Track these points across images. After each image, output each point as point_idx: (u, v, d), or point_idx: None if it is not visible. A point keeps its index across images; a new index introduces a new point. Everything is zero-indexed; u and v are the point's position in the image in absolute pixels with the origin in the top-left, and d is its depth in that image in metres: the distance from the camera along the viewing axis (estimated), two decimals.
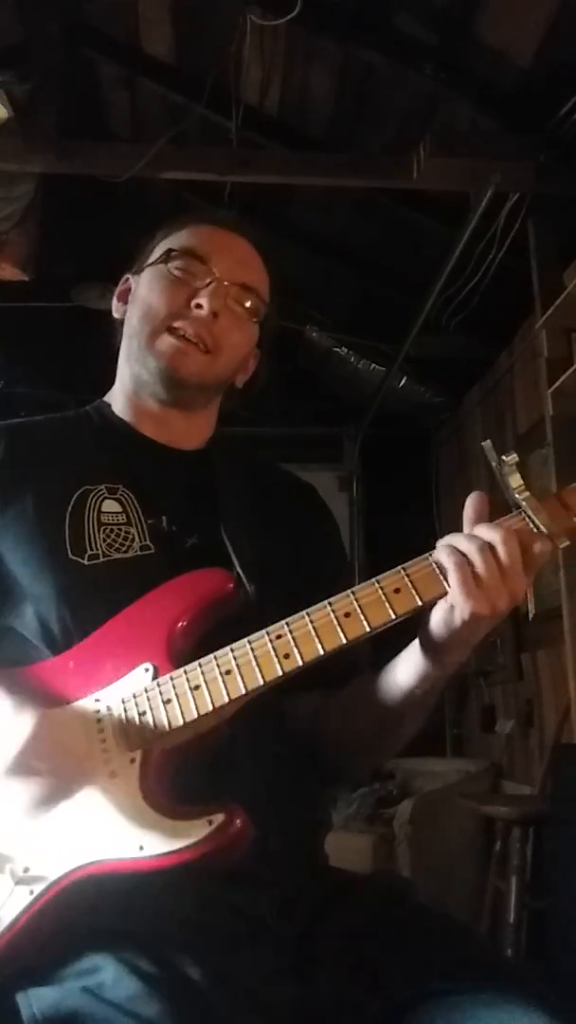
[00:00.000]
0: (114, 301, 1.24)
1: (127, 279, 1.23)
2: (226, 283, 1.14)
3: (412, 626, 0.94)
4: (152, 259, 1.19)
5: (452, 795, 3.70)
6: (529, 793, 3.59)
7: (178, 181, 3.57)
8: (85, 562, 1.03)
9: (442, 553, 0.89)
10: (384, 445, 5.08)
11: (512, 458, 0.91)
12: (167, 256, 1.16)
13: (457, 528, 0.92)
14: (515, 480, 0.91)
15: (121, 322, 1.21)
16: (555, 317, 2.94)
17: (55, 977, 0.85)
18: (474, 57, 2.79)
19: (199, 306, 1.12)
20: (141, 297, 1.17)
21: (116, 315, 1.23)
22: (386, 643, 1.00)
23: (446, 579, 0.88)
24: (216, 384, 1.18)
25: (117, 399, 1.21)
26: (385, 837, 3.65)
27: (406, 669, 0.99)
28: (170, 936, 0.88)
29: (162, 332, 1.12)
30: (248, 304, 1.16)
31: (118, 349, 1.22)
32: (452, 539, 0.90)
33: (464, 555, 0.87)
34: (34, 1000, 0.83)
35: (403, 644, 0.99)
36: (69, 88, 3.21)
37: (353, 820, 3.87)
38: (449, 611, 0.89)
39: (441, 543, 0.90)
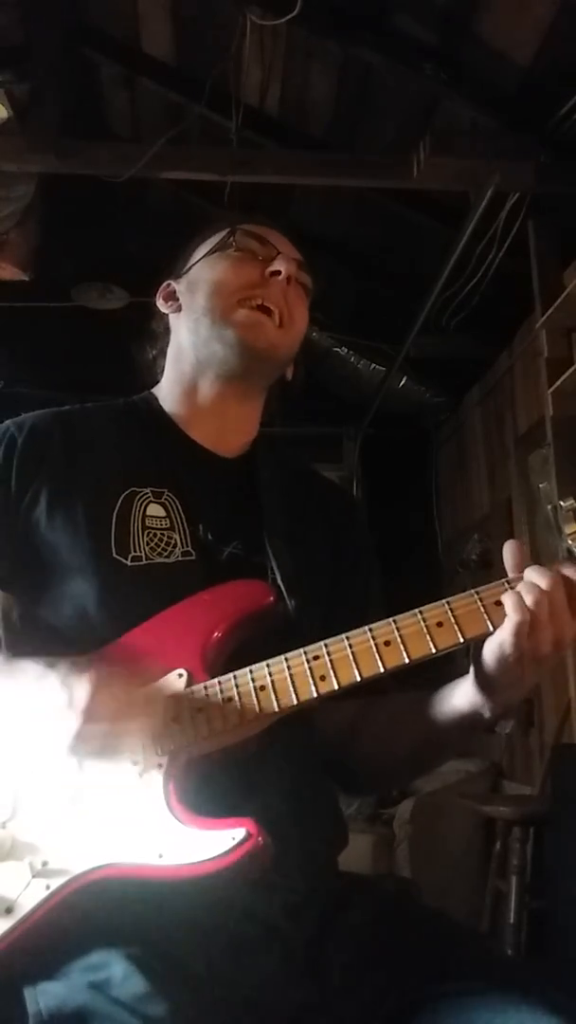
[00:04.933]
0: (159, 301, 1.26)
1: (168, 284, 1.26)
2: (291, 257, 1.18)
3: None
4: (209, 248, 1.21)
5: (452, 795, 3.70)
6: (529, 793, 3.59)
7: (178, 181, 3.57)
8: (128, 563, 1.04)
9: (506, 596, 0.89)
10: (384, 445, 5.07)
11: (570, 503, 0.93)
12: (230, 235, 1.19)
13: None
14: (570, 527, 0.92)
15: (166, 324, 1.25)
16: (555, 317, 2.94)
17: (62, 971, 0.85)
18: (474, 57, 2.79)
19: (275, 272, 1.16)
20: (206, 280, 1.19)
21: (165, 311, 1.25)
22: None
23: (490, 618, 0.89)
24: (282, 361, 1.21)
25: (166, 394, 1.22)
26: (385, 837, 3.66)
27: (454, 702, 0.99)
28: (180, 936, 0.88)
29: (237, 306, 1.15)
30: (305, 281, 1.21)
31: (165, 347, 1.24)
32: (521, 583, 0.89)
33: (521, 596, 0.88)
34: (41, 996, 0.83)
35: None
36: (69, 88, 3.22)
37: (353, 820, 3.87)
38: (498, 650, 0.89)
39: (494, 585, 0.90)
